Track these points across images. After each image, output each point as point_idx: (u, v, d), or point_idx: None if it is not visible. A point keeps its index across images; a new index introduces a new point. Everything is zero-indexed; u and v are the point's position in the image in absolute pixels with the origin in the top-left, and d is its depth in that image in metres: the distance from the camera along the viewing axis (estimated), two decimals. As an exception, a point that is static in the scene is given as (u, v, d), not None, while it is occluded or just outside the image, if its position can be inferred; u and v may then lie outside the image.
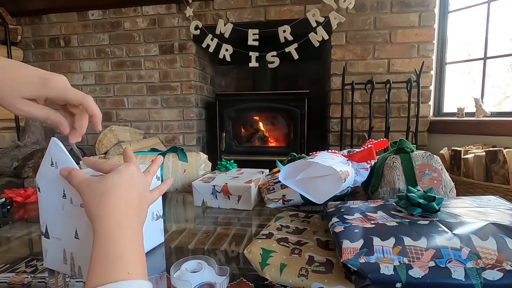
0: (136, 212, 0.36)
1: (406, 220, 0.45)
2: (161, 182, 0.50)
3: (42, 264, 0.50)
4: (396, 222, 0.45)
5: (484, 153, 1.24)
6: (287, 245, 0.49)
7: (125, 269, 0.30)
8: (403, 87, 1.75)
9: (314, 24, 1.84)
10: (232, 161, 1.00)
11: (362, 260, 0.37)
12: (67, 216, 0.41)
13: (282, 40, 1.88)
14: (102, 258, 0.31)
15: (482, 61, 1.77)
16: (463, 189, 1.27)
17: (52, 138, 0.41)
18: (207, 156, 1.02)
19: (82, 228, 0.40)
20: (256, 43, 1.93)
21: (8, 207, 0.75)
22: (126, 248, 0.32)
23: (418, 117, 1.65)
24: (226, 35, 1.94)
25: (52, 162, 0.41)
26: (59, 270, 0.45)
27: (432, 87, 1.85)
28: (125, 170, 0.37)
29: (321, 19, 1.82)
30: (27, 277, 0.46)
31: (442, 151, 1.46)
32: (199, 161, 0.98)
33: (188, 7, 1.97)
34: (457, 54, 1.93)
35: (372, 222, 0.46)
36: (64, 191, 0.41)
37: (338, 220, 0.48)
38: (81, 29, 2.17)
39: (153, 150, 1.05)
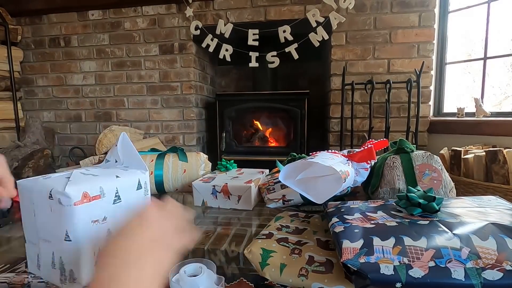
0: (139, 262, 0.31)
1: (406, 220, 0.45)
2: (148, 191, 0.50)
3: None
4: (396, 222, 0.45)
5: (484, 153, 1.24)
6: (287, 245, 0.49)
7: None
8: (403, 87, 1.75)
9: (314, 24, 1.84)
10: (232, 161, 1.00)
11: (362, 260, 0.37)
12: (56, 218, 0.39)
13: (282, 40, 1.88)
14: None
15: (482, 61, 1.76)
16: (463, 189, 1.27)
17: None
18: (207, 156, 1.02)
19: (75, 229, 0.38)
20: (256, 43, 1.93)
21: (8, 207, 0.74)
22: None
23: (418, 117, 1.65)
24: (226, 35, 1.94)
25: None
26: (45, 277, 0.43)
27: (432, 87, 1.85)
28: (136, 218, 0.35)
29: (321, 19, 1.82)
30: (27, 277, 0.46)
31: (442, 151, 1.46)
32: (199, 161, 0.98)
33: (188, 7, 1.97)
34: (457, 54, 1.93)
35: (372, 222, 0.46)
36: (50, 191, 0.39)
37: (338, 220, 0.48)
38: (81, 29, 2.17)
39: (153, 150, 1.05)
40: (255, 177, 0.86)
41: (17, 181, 0.42)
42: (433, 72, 1.84)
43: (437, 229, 0.41)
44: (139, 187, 0.50)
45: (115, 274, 0.30)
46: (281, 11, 1.91)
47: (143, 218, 0.35)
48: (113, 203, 0.44)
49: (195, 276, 0.39)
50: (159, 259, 0.33)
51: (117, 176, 0.46)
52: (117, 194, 0.44)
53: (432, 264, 0.36)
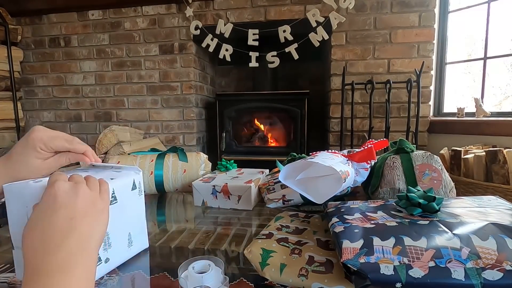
0: (63, 242, 0.29)
1: (406, 220, 0.45)
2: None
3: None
4: (396, 222, 0.44)
5: (484, 153, 1.24)
6: (287, 245, 0.49)
7: None
8: (403, 87, 1.75)
9: (314, 24, 1.84)
10: (232, 161, 1.00)
11: (362, 260, 0.37)
12: None
13: (282, 40, 1.88)
14: None
15: (482, 61, 1.77)
16: (463, 189, 1.27)
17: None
18: (207, 156, 1.02)
19: None
20: (256, 43, 1.93)
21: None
22: None
23: (418, 117, 1.65)
24: (226, 35, 1.94)
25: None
26: None
27: (432, 87, 1.85)
28: (45, 195, 0.32)
29: (321, 19, 1.82)
30: (27, 277, 0.46)
31: (442, 151, 1.46)
32: (199, 161, 0.98)
33: (188, 7, 1.97)
34: (457, 54, 1.93)
35: (372, 222, 0.46)
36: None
37: (338, 220, 0.48)
38: (81, 29, 2.17)
39: (153, 150, 1.05)
40: (255, 177, 0.86)
41: (3, 186, 0.39)
42: (433, 72, 1.84)
43: (437, 229, 0.41)
44: (134, 187, 0.50)
45: (39, 265, 0.27)
46: (281, 11, 1.91)
47: (53, 198, 0.31)
48: (110, 204, 0.43)
49: (203, 273, 0.39)
50: (85, 233, 0.31)
51: (111, 178, 0.45)
52: (113, 195, 0.44)
53: (432, 264, 0.35)
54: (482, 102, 1.70)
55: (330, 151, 0.73)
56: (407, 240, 0.39)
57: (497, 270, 0.34)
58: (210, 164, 1.03)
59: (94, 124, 2.26)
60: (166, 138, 2.18)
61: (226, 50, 1.96)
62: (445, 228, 0.41)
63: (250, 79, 2.43)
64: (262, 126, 2.32)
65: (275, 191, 0.78)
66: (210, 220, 0.73)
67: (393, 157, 0.73)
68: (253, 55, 1.95)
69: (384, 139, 0.79)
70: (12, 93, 2.16)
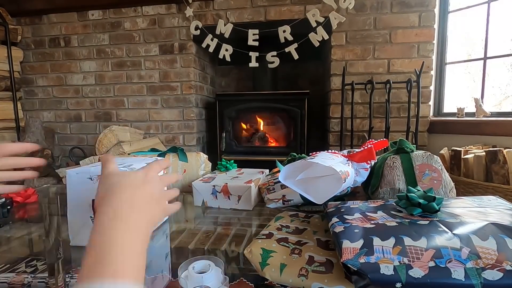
0: (142, 209, 0.35)
1: (406, 220, 0.45)
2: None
3: (42, 264, 0.50)
4: (396, 222, 0.45)
5: (484, 153, 1.24)
6: (287, 245, 0.49)
7: (112, 267, 0.28)
8: (403, 87, 1.75)
9: (314, 24, 1.84)
10: (232, 161, 1.00)
11: (362, 260, 0.37)
12: None
13: (282, 40, 1.88)
14: (93, 248, 0.29)
15: (482, 61, 1.76)
16: (463, 189, 1.27)
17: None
18: (207, 156, 1.02)
19: None
20: (256, 43, 1.93)
21: (8, 207, 0.74)
22: (118, 243, 0.30)
23: (418, 117, 1.65)
24: (226, 35, 1.94)
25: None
26: None
27: (432, 87, 1.85)
28: (141, 172, 0.39)
29: (321, 19, 1.82)
30: (27, 277, 0.46)
31: (442, 151, 1.46)
32: (199, 161, 0.98)
33: (188, 7, 1.97)
34: (457, 54, 1.93)
35: (372, 222, 0.46)
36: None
37: (338, 220, 0.48)
38: (81, 29, 2.17)
39: (153, 150, 1.05)
40: (255, 177, 0.86)
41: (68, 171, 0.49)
42: (433, 72, 1.84)
43: (437, 229, 0.41)
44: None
45: (120, 215, 0.32)
46: (281, 11, 1.91)
47: (148, 174, 0.38)
48: None
49: (203, 273, 0.39)
50: (153, 215, 0.36)
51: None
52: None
53: (432, 264, 0.36)
54: (482, 102, 1.70)
55: (330, 151, 0.73)
56: (407, 240, 0.39)
57: (497, 270, 0.34)
58: (210, 164, 1.03)
59: (94, 124, 2.26)
60: (166, 138, 2.18)
61: (226, 50, 1.96)
62: (445, 228, 0.41)
63: (250, 79, 2.43)
64: (262, 126, 2.32)
65: (275, 191, 0.78)
66: (210, 220, 0.73)
67: (393, 157, 0.73)
68: (253, 55, 1.95)
69: (384, 139, 0.79)
70: (12, 93, 2.16)
